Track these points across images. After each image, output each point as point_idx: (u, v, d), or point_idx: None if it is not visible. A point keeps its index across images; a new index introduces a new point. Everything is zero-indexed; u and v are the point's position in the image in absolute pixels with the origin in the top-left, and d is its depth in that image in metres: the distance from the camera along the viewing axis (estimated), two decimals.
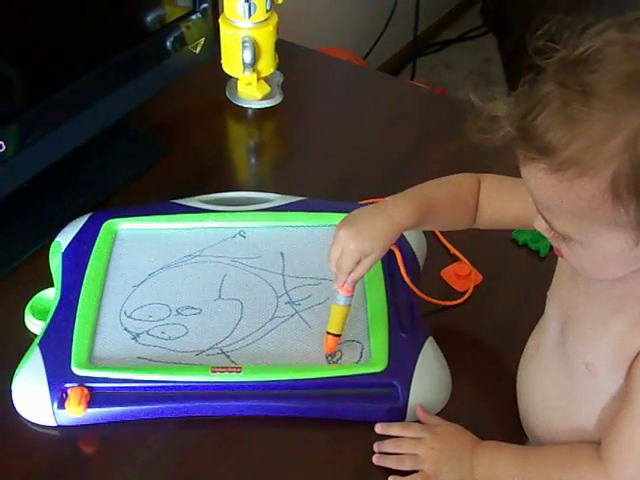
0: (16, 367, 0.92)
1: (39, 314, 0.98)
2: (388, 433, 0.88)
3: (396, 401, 0.89)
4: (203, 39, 1.25)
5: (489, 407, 0.94)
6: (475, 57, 2.74)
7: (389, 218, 0.87)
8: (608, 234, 0.67)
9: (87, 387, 0.89)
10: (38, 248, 1.09)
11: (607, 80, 0.63)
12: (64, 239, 1.06)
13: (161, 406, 0.89)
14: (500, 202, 0.91)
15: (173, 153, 1.26)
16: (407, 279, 0.98)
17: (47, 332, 0.95)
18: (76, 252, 1.04)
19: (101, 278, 1.01)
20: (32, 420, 0.90)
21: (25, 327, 0.99)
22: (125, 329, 0.96)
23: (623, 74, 0.63)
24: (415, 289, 0.99)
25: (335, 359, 0.93)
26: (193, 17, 1.23)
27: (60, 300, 0.98)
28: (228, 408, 0.90)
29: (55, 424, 0.89)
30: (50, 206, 1.14)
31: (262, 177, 1.31)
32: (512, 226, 1.00)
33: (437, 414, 0.90)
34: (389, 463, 0.86)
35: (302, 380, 0.90)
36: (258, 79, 1.33)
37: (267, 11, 1.29)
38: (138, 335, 0.96)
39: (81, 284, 0.99)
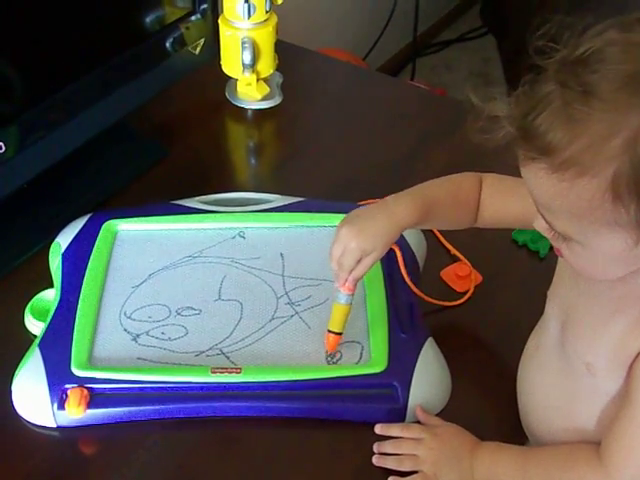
0: (16, 368, 0.92)
1: (39, 315, 0.98)
2: (388, 434, 0.88)
3: (396, 402, 0.89)
4: (203, 40, 1.25)
5: (489, 407, 0.94)
6: (475, 58, 2.74)
7: (390, 216, 0.87)
8: (608, 234, 0.67)
9: (87, 388, 0.89)
10: (38, 249, 1.09)
11: (608, 80, 0.63)
12: (64, 240, 1.06)
13: (161, 407, 0.89)
14: (501, 202, 0.91)
15: (173, 154, 1.26)
16: (407, 279, 0.98)
17: (47, 333, 0.95)
18: (76, 253, 1.04)
19: (101, 279, 1.01)
20: (32, 421, 0.90)
21: (25, 328, 0.99)
22: (125, 330, 0.96)
23: (624, 74, 0.63)
24: (415, 289, 0.99)
25: (335, 360, 0.93)
26: (193, 18, 1.23)
27: (60, 301, 0.98)
28: (228, 409, 0.90)
29: (55, 425, 0.89)
30: (50, 207, 1.14)
31: (262, 178, 1.31)
32: (513, 225, 1.00)
33: (437, 414, 0.90)
34: (389, 464, 0.86)
35: (302, 381, 0.90)
36: (258, 80, 1.33)
37: (267, 12, 1.29)
38: (138, 336, 0.96)
39: (81, 285, 0.99)
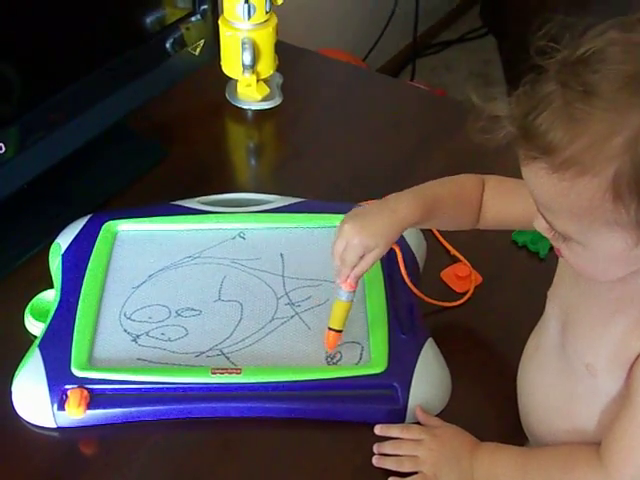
0: (16, 368, 0.92)
1: (39, 315, 0.98)
2: (387, 435, 0.88)
3: (396, 402, 0.89)
4: (203, 41, 1.25)
5: (489, 408, 0.94)
6: (475, 58, 2.74)
7: (393, 214, 0.87)
8: (608, 234, 0.67)
9: (87, 388, 0.89)
10: (38, 249, 1.09)
11: (609, 80, 0.63)
12: (64, 240, 1.06)
13: (161, 407, 0.89)
14: (504, 203, 0.91)
15: (173, 154, 1.26)
16: (407, 279, 0.98)
17: (47, 333, 0.95)
18: (76, 253, 1.04)
19: (101, 279, 1.01)
20: (32, 421, 0.90)
21: (25, 328, 0.99)
22: (125, 330, 0.96)
23: (625, 74, 0.63)
24: (415, 290, 0.99)
25: (335, 360, 0.93)
26: (193, 19, 1.23)
27: (60, 301, 0.98)
28: (228, 409, 0.90)
29: (55, 425, 0.89)
30: (50, 207, 1.14)
31: (262, 178, 1.31)
32: (515, 227, 1.00)
33: (437, 415, 0.90)
34: (389, 464, 0.86)
35: (302, 381, 0.90)
36: (258, 80, 1.33)
37: (267, 12, 1.29)
38: (138, 336, 0.96)
39: (81, 285, 0.99)
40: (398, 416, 0.89)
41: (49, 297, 1.00)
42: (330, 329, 0.92)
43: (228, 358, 0.94)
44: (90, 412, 0.88)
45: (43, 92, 1.06)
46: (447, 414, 0.90)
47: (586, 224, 0.67)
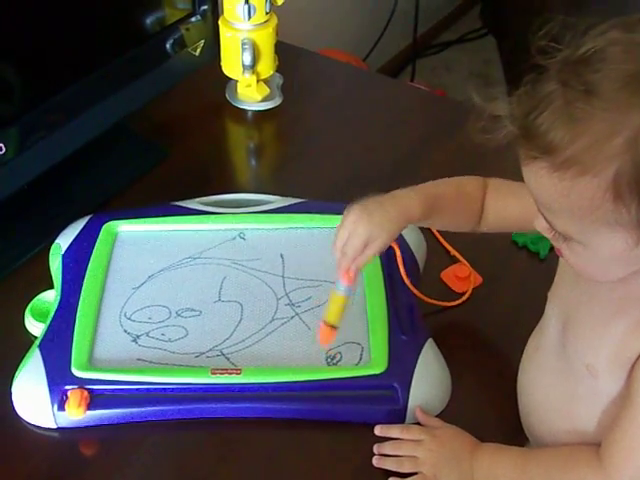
0: (16, 369, 0.92)
1: (39, 316, 0.98)
2: (387, 435, 0.88)
3: (396, 403, 0.89)
4: (203, 41, 1.25)
5: (489, 408, 0.94)
6: (475, 59, 2.74)
7: (397, 207, 0.87)
8: (609, 234, 0.67)
9: (87, 389, 0.89)
10: (38, 250, 1.09)
11: (610, 79, 0.63)
12: (64, 241, 1.06)
13: (161, 408, 0.89)
14: (505, 205, 0.91)
15: (173, 155, 1.26)
16: (406, 280, 0.98)
17: (47, 334, 0.95)
18: (76, 254, 1.04)
19: (101, 280, 1.01)
20: (32, 422, 0.90)
21: (25, 329, 0.99)
22: (125, 331, 0.96)
23: (626, 74, 0.63)
24: (413, 289, 0.99)
25: (335, 361, 0.93)
26: (193, 19, 1.23)
27: (60, 302, 0.98)
28: (228, 410, 0.90)
29: (55, 426, 0.89)
30: (50, 208, 1.14)
31: (262, 179, 1.31)
32: (517, 229, 1.00)
33: (437, 416, 0.90)
34: (388, 465, 0.86)
35: (302, 382, 0.90)
36: (258, 81, 1.33)
37: (267, 13, 1.29)
38: (138, 337, 0.96)
39: (81, 286, 0.99)
40: (398, 417, 0.89)
41: (49, 297, 1.00)
42: (325, 323, 0.90)
43: (228, 359, 0.94)
44: (90, 412, 0.88)
45: (43, 92, 1.06)
46: (447, 414, 0.90)
47: (586, 224, 0.67)
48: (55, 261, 1.04)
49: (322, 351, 0.94)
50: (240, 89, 1.35)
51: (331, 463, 0.88)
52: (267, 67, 1.33)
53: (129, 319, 0.98)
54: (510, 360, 0.92)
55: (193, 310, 0.99)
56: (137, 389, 0.90)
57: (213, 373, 0.90)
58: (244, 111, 1.35)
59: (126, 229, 1.08)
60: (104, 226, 1.07)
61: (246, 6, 1.26)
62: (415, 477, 0.84)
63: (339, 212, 0.99)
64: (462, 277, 1.05)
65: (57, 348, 0.93)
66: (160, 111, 1.30)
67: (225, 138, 1.37)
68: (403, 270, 0.98)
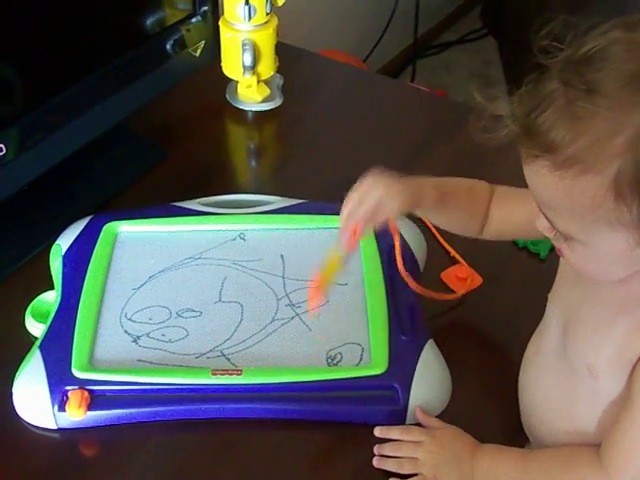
0: (17, 370, 0.92)
1: (40, 317, 0.98)
2: (387, 436, 0.88)
3: (396, 404, 0.89)
4: (203, 42, 1.25)
5: (490, 409, 0.93)
6: (475, 59, 2.74)
7: (414, 183, 0.87)
8: (610, 233, 0.67)
9: (88, 390, 0.89)
10: (39, 251, 1.09)
11: (611, 78, 0.63)
12: (64, 242, 1.06)
13: (161, 409, 0.89)
14: (512, 212, 0.91)
15: (173, 156, 1.26)
16: (404, 274, 0.96)
17: (48, 335, 0.95)
18: (76, 255, 1.04)
19: (101, 281, 1.01)
20: (33, 423, 0.90)
21: (26, 330, 0.99)
22: (125, 332, 0.96)
23: (627, 73, 0.63)
24: (412, 283, 0.97)
25: (335, 361, 0.93)
26: (193, 20, 1.23)
27: (61, 303, 0.98)
28: (228, 411, 0.90)
29: (56, 427, 0.89)
30: (50, 209, 1.14)
31: (262, 180, 1.31)
32: (519, 236, 1.00)
33: (438, 416, 0.90)
34: (389, 466, 0.86)
35: (302, 383, 0.90)
36: (258, 82, 1.33)
37: (267, 14, 1.29)
38: (138, 338, 0.96)
39: (81, 287, 0.99)
40: (398, 417, 0.89)
41: (50, 298, 1.00)
42: (315, 284, 0.89)
43: (229, 359, 0.94)
44: (91, 413, 0.88)
45: (44, 93, 1.06)
46: (447, 415, 0.90)
47: (588, 223, 0.67)
48: (55, 262, 1.04)
49: (323, 352, 0.94)
50: (240, 90, 1.35)
51: (331, 463, 0.88)
52: (267, 68, 1.33)
53: (129, 320, 0.98)
54: (510, 361, 0.92)
55: (193, 311, 0.99)
56: (138, 390, 0.90)
57: (214, 374, 0.90)
58: (244, 112, 1.35)
59: (126, 230, 1.08)
60: (104, 227, 1.07)
61: (246, 7, 1.26)
62: (415, 478, 0.84)
63: (339, 213, 0.99)
64: (462, 278, 1.05)
65: (57, 349, 0.93)
66: (160, 112, 1.30)
67: (225, 139, 1.37)
68: (399, 260, 0.96)
